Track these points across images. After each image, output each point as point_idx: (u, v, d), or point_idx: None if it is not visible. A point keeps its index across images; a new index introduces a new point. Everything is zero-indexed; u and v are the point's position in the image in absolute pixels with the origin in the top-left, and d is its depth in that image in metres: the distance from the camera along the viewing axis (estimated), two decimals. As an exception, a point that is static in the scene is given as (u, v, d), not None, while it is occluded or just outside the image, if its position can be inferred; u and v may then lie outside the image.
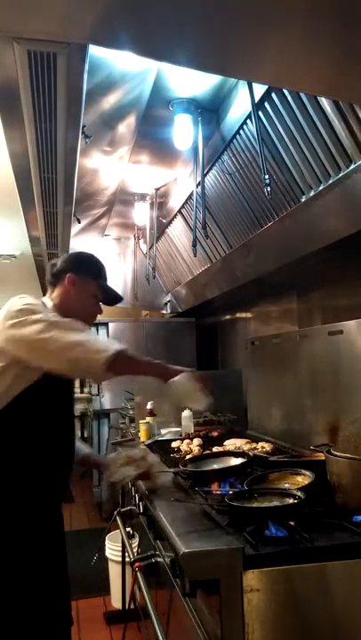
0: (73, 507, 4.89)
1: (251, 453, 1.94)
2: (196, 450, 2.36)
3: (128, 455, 1.96)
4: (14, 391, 1.68)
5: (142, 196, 3.62)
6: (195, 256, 3.31)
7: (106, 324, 4.65)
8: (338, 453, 1.52)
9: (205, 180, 2.78)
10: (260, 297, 3.59)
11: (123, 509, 2.55)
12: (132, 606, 2.52)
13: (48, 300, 1.91)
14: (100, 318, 5.25)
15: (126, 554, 2.60)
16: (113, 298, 2.00)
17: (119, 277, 5.32)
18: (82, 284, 1.91)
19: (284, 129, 1.98)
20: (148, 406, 3.16)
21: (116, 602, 3.11)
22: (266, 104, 1.97)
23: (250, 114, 2.05)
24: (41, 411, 1.74)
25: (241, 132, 2.27)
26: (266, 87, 1.91)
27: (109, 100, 2.21)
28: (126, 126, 2.50)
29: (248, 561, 1.21)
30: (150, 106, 2.32)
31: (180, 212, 3.54)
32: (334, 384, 2.14)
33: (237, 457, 1.95)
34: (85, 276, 1.92)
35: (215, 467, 1.91)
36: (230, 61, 1.25)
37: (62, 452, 1.83)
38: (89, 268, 1.96)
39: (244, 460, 1.88)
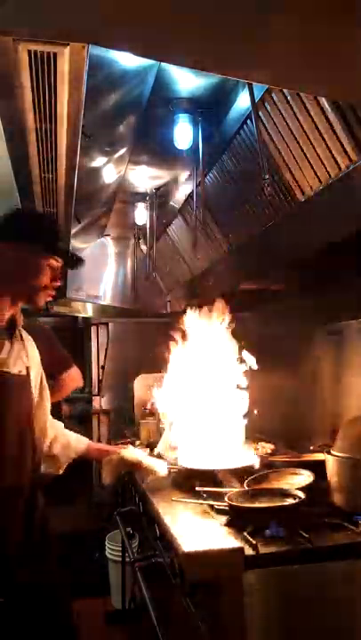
0: (73, 507, 4.88)
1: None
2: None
3: (123, 457, 1.90)
4: None
5: (142, 196, 3.62)
6: (195, 256, 3.31)
7: (106, 324, 4.64)
8: (338, 453, 1.52)
9: (205, 179, 2.78)
10: (260, 297, 3.59)
11: (123, 509, 2.55)
12: (132, 606, 2.52)
13: None
14: (100, 318, 5.21)
15: (126, 554, 2.60)
16: (69, 261, 1.61)
17: (119, 277, 5.31)
18: (21, 255, 1.51)
19: (284, 129, 1.98)
20: (148, 406, 3.17)
21: (116, 602, 3.10)
22: (266, 104, 1.97)
23: (250, 114, 2.05)
24: None
25: (241, 131, 2.27)
26: (266, 87, 1.91)
27: (109, 100, 2.20)
28: (126, 126, 2.50)
29: (248, 561, 1.21)
30: (150, 106, 2.31)
31: (180, 211, 3.54)
32: (334, 384, 2.14)
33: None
34: (19, 245, 1.50)
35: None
36: (230, 61, 1.25)
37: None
38: (20, 232, 1.52)
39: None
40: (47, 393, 1.79)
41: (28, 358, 1.63)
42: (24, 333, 1.70)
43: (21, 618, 1.45)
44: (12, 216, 1.61)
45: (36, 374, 1.70)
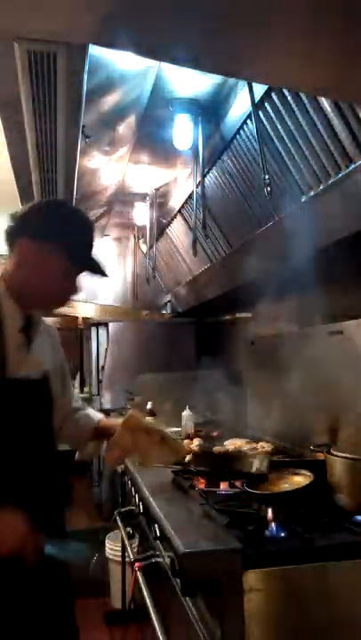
0: (73, 507, 4.88)
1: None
2: (196, 449, 2.35)
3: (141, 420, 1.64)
4: None
5: (142, 196, 3.62)
6: (195, 256, 3.31)
7: (106, 325, 4.64)
8: (338, 453, 1.52)
9: (205, 179, 2.78)
10: (260, 297, 3.59)
11: (123, 509, 2.55)
12: (132, 606, 2.52)
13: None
14: (99, 318, 5.21)
15: (126, 554, 2.60)
16: (93, 270, 1.46)
17: (119, 277, 5.32)
18: (44, 256, 1.36)
19: (284, 129, 1.98)
20: (148, 406, 3.17)
21: (116, 602, 3.10)
22: (266, 104, 1.97)
23: (250, 114, 2.05)
24: None
25: (241, 132, 2.27)
26: (266, 87, 1.91)
27: (109, 100, 2.21)
28: (126, 126, 2.51)
29: (248, 561, 1.21)
30: (150, 106, 2.32)
31: (180, 212, 3.54)
32: (334, 384, 2.14)
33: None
34: (49, 244, 1.35)
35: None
36: (230, 61, 1.25)
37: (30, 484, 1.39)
38: (54, 231, 1.36)
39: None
40: (69, 380, 1.73)
41: (46, 356, 1.51)
42: (46, 328, 1.59)
43: (23, 615, 1.42)
44: (44, 212, 1.45)
45: (55, 368, 1.57)
